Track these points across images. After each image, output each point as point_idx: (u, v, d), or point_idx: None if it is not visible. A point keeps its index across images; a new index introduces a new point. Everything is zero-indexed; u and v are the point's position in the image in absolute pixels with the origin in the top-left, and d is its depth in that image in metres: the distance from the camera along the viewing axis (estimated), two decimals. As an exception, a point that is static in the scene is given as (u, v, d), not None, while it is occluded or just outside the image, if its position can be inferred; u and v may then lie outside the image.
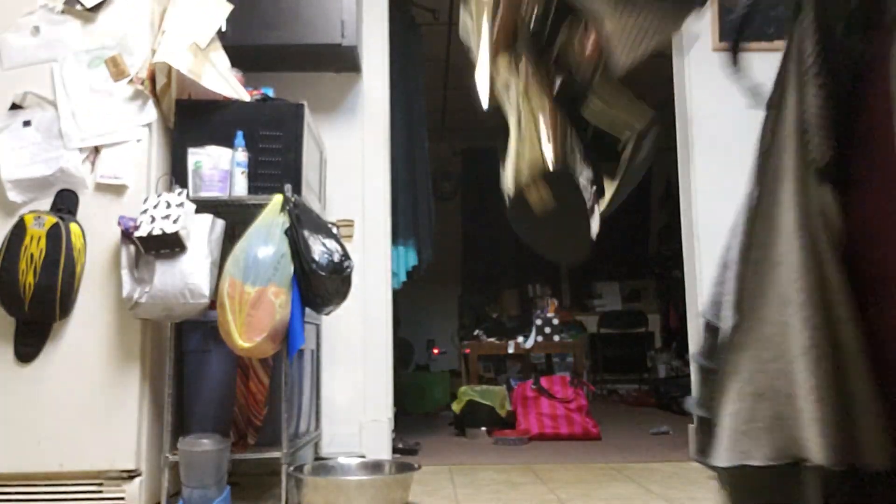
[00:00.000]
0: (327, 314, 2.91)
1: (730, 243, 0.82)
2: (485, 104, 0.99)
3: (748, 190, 0.81)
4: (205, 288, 2.55)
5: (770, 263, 0.72)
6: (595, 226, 0.93)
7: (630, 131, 0.98)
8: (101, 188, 2.71)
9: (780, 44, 0.80)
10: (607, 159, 0.94)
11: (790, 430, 0.69)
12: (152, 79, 2.77)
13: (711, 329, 0.85)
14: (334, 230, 2.87)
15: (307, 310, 2.67)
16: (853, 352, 0.67)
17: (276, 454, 2.65)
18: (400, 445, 3.88)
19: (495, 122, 0.99)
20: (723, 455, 0.73)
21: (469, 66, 1.03)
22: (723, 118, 3.62)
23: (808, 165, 0.72)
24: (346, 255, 2.69)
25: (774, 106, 0.80)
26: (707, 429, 0.80)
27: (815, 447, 0.67)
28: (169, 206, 2.57)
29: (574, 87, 0.98)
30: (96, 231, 2.67)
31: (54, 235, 2.56)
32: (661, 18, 0.80)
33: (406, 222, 4.17)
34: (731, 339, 0.75)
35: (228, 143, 2.76)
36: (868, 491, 0.67)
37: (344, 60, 3.62)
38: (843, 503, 0.68)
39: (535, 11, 0.96)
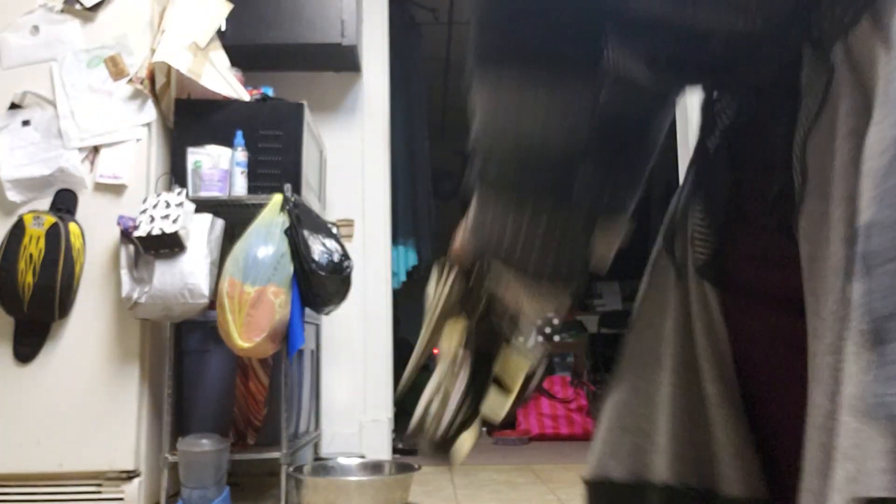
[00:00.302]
0: (327, 314, 2.91)
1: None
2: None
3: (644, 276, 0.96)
4: (204, 288, 2.54)
5: (652, 336, 0.89)
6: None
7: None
8: (101, 188, 2.71)
9: None
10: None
11: (644, 458, 0.86)
12: (152, 78, 2.77)
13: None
14: (334, 230, 2.87)
15: (307, 310, 2.67)
16: (714, 405, 0.82)
17: (275, 454, 2.65)
18: (400, 445, 3.87)
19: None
20: (590, 471, 0.89)
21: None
22: (723, 118, 3.61)
23: (694, 262, 0.86)
24: (345, 255, 2.69)
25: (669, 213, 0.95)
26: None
27: (659, 470, 0.83)
28: (168, 205, 2.56)
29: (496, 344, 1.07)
30: (95, 231, 2.67)
31: (53, 235, 2.56)
32: (544, 297, 0.89)
33: (406, 222, 4.18)
34: (611, 387, 0.93)
35: (228, 142, 2.76)
36: None
37: (344, 60, 3.61)
38: None
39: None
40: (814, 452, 0.63)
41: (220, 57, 2.90)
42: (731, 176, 0.84)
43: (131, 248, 2.59)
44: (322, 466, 2.84)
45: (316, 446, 3.34)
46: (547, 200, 0.83)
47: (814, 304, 0.66)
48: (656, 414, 0.86)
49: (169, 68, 2.77)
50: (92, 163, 2.71)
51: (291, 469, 2.63)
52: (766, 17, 0.72)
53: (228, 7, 2.98)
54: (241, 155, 2.76)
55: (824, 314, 0.63)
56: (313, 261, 2.57)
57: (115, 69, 2.74)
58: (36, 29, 2.76)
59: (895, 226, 0.54)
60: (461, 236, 1.01)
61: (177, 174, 2.77)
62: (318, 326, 3.38)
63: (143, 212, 2.57)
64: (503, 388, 1.03)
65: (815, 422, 0.63)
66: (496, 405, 1.02)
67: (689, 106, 3.80)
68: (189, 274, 2.54)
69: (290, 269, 2.56)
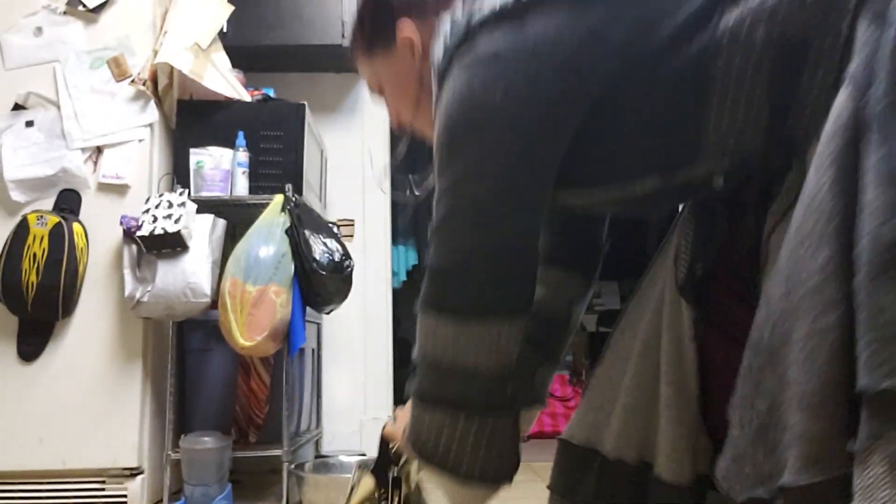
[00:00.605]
0: (328, 313, 2.93)
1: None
2: None
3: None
4: (206, 287, 2.56)
5: (630, 333, 1.10)
6: None
7: None
8: (104, 188, 2.73)
9: None
10: None
11: (598, 431, 1.09)
12: (154, 79, 2.79)
13: None
14: (335, 230, 2.89)
15: (308, 309, 2.69)
16: (665, 404, 1.00)
17: (277, 452, 2.67)
18: (400, 444, 3.89)
19: None
20: (563, 432, 1.15)
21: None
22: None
23: (676, 279, 1.02)
24: (346, 255, 2.71)
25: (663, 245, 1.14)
26: None
27: (607, 443, 1.07)
28: (171, 205, 2.58)
29: None
30: (98, 231, 2.69)
31: (57, 235, 2.58)
32: (472, 498, 1.03)
33: (406, 222, 4.19)
34: (594, 371, 1.15)
35: (230, 143, 2.78)
36: (655, 493, 1.01)
37: (344, 61, 3.59)
38: (627, 493, 1.05)
39: None
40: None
41: (221, 58, 2.92)
42: (724, 223, 0.99)
43: (134, 247, 2.61)
44: (323, 464, 2.86)
45: (317, 444, 3.36)
46: (479, 409, 0.96)
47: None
48: (616, 399, 1.07)
49: (171, 69, 2.79)
50: (95, 163, 2.73)
51: (293, 466, 2.66)
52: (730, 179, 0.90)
53: (230, 8, 3.00)
54: (242, 155, 2.78)
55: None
56: (314, 260, 2.59)
57: (118, 70, 2.76)
58: (39, 30, 2.78)
59: None
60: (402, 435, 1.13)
61: (179, 174, 2.79)
62: (318, 326, 3.40)
63: (146, 212, 2.59)
64: None
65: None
66: None
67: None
68: (191, 273, 2.56)
69: (292, 268, 2.58)
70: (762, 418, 0.77)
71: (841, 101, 0.75)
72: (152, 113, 2.77)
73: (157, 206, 2.59)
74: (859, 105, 0.73)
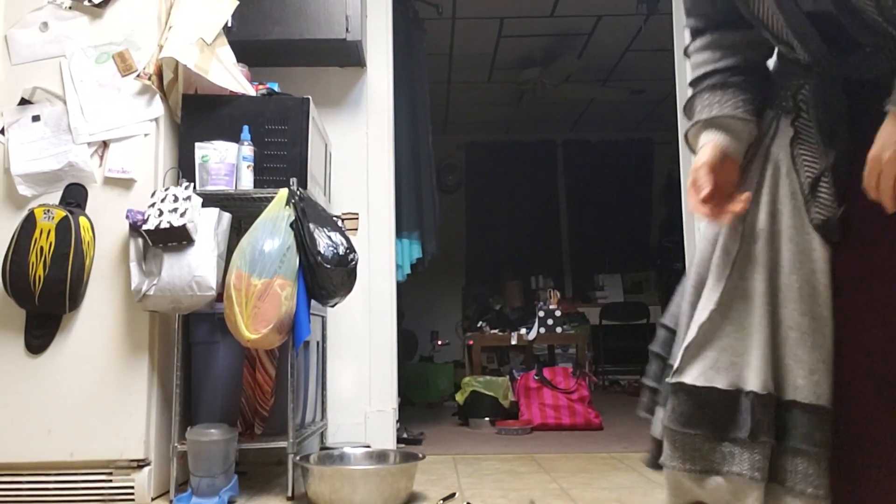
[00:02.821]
0: (333, 306, 2.95)
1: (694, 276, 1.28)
2: None
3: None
4: (212, 280, 2.58)
5: (742, 282, 1.19)
6: None
7: None
8: (110, 182, 2.74)
9: None
10: None
11: (739, 371, 1.16)
12: (159, 74, 2.80)
13: (665, 328, 1.36)
14: (339, 223, 2.90)
15: (313, 302, 2.70)
16: (801, 332, 1.12)
17: (282, 444, 2.69)
18: (404, 435, 3.92)
19: None
20: (697, 380, 1.17)
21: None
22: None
23: (812, 220, 1.14)
24: (350, 248, 2.73)
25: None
26: (652, 395, 1.36)
27: (751, 381, 1.14)
28: (176, 199, 2.60)
29: None
30: (105, 224, 2.71)
31: (63, 229, 2.60)
32: None
33: (410, 215, 4.21)
34: (700, 317, 1.20)
35: (235, 137, 2.79)
36: (796, 418, 1.11)
37: (348, 55, 3.65)
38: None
39: None
40: None
41: (226, 53, 2.93)
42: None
43: (140, 241, 2.63)
44: (328, 455, 2.88)
45: (322, 436, 3.38)
46: None
47: None
48: (748, 338, 1.16)
49: (176, 64, 2.80)
50: (101, 157, 2.75)
51: (298, 458, 2.68)
52: None
53: (234, 3, 3.01)
54: (247, 149, 2.80)
55: None
56: (319, 254, 2.60)
57: (123, 65, 2.78)
58: (45, 25, 2.80)
59: None
60: None
61: (184, 168, 2.81)
62: (323, 318, 3.42)
63: (152, 205, 2.61)
64: None
65: None
66: None
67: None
68: (197, 267, 2.58)
69: (297, 261, 2.60)
70: None
71: None
72: (158, 107, 2.78)
73: (162, 200, 2.61)
74: None
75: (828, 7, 1.07)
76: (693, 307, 1.24)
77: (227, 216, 2.74)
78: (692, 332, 1.19)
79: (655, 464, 1.27)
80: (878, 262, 1.09)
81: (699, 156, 1.24)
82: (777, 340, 1.13)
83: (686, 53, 1.34)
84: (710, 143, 1.24)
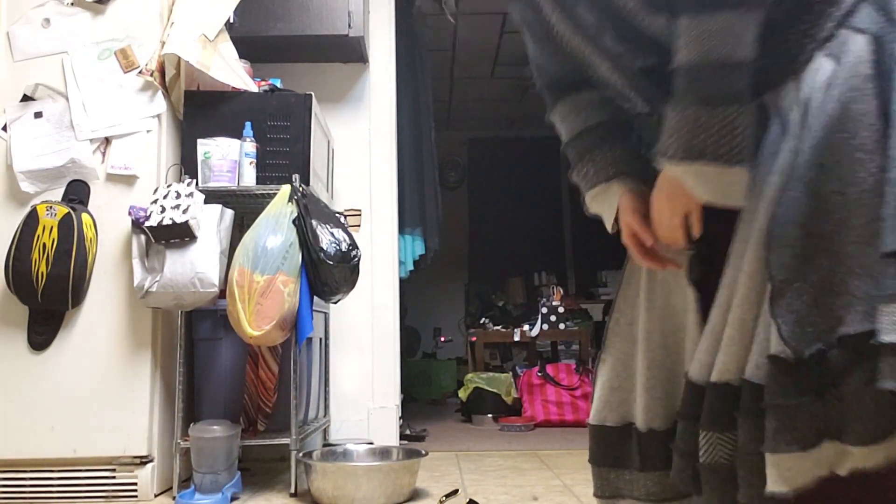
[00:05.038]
0: (335, 303, 2.94)
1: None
2: None
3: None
4: (214, 277, 2.58)
5: (627, 321, 1.32)
6: None
7: None
8: (112, 178, 2.74)
9: None
10: None
11: (628, 408, 1.28)
12: (161, 70, 2.80)
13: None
14: (342, 219, 2.90)
15: (315, 298, 2.70)
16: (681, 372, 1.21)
17: (285, 440, 2.69)
18: (407, 432, 3.92)
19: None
20: (593, 418, 1.32)
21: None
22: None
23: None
24: (353, 245, 2.72)
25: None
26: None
27: (638, 417, 1.25)
28: (179, 196, 2.60)
29: None
30: (107, 221, 2.71)
31: (66, 225, 2.59)
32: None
33: (413, 211, 4.20)
34: (603, 356, 1.34)
35: (237, 133, 2.79)
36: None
37: (351, 51, 3.64)
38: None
39: None
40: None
41: (228, 49, 2.93)
42: None
43: (142, 237, 2.63)
44: (331, 452, 2.88)
45: (325, 433, 3.38)
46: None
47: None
48: (634, 377, 1.27)
49: (178, 60, 2.80)
50: (103, 154, 2.75)
51: (301, 455, 2.67)
52: None
53: (236, -1, 3.00)
54: (249, 146, 2.79)
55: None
56: (321, 250, 2.60)
57: (126, 61, 2.78)
58: (47, 21, 2.79)
59: None
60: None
61: (187, 165, 2.80)
62: (326, 315, 3.42)
63: (154, 202, 2.61)
64: None
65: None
66: None
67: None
68: (199, 263, 2.58)
69: (299, 258, 2.60)
70: (816, 288, 0.97)
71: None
72: (160, 104, 2.78)
73: (165, 197, 2.61)
74: None
75: (653, 62, 1.14)
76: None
77: (229, 213, 2.74)
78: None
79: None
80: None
81: (624, 206, 1.26)
82: (667, 379, 1.24)
83: (551, 120, 1.38)
84: (627, 192, 1.26)
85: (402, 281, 3.95)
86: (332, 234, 2.66)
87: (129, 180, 2.74)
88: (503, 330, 5.71)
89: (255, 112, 2.85)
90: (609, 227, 1.31)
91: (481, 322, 6.00)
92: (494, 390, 4.82)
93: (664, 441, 1.21)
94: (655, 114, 1.18)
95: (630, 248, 1.27)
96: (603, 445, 1.30)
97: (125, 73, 2.77)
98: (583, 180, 1.32)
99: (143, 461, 2.64)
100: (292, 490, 2.66)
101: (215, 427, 2.58)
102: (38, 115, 2.73)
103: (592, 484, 1.33)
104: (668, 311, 1.25)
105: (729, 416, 1.05)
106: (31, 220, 2.60)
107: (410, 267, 4.19)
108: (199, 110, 2.85)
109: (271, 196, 2.72)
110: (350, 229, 2.84)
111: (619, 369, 1.29)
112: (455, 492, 2.67)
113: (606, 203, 1.29)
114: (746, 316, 1.05)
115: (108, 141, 2.75)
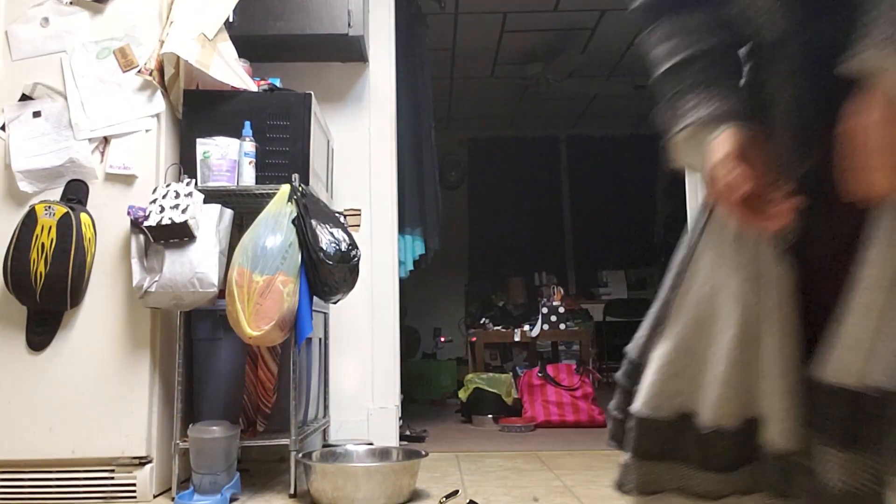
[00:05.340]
0: (335, 303, 2.94)
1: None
2: None
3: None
4: (213, 277, 2.57)
5: (708, 295, 1.09)
6: None
7: None
8: (111, 178, 2.73)
9: None
10: None
11: (690, 399, 1.09)
12: (160, 69, 2.79)
13: (632, 362, 1.23)
14: (342, 219, 2.89)
15: (315, 298, 2.69)
16: (772, 362, 1.02)
17: (284, 441, 2.69)
18: (407, 433, 3.91)
19: None
20: (642, 410, 1.12)
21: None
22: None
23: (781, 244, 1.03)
24: (353, 245, 2.71)
25: None
26: (619, 425, 1.20)
27: (705, 415, 1.07)
28: (178, 195, 2.59)
29: None
30: (106, 221, 2.70)
31: (65, 225, 2.59)
32: None
33: (413, 211, 4.19)
34: (658, 337, 1.15)
35: (236, 133, 2.78)
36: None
37: (351, 50, 3.63)
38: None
39: None
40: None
41: (227, 48, 2.92)
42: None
43: (141, 237, 2.62)
44: (331, 453, 2.87)
45: (324, 433, 3.37)
46: None
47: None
48: (699, 364, 1.08)
49: (177, 59, 2.79)
50: (102, 153, 2.74)
51: (300, 455, 2.67)
52: None
53: (236, -2, 2.99)
54: (249, 145, 2.78)
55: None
56: (321, 250, 2.59)
57: (125, 60, 2.77)
58: (46, 21, 2.78)
59: None
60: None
61: (186, 164, 2.79)
62: (326, 315, 3.41)
63: (153, 202, 2.60)
64: None
65: None
66: None
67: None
68: (198, 263, 2.57)
69: (299, 258, 2.59)
70: None
71: None
72: (159, 103, 2.77)
73: (164, 196, 2.60)
74: None
75: None
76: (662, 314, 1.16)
77: (228, 212, 2.73)
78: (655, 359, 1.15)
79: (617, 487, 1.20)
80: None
81: (717, 149, 1.02)
82: (750, 367, 1.05)
83: (643, 46, 1.15)
84: (725, 134, 1.02)
85: (402, 281, 3.94)
86: (332, 233, 2.65)
87: (127, 180, 2.73)
88: (503, 330, 5.71)
89: (254, 111, 2.85)
90: (702, 173, 1.07)
91: (481, 322, 6.00)
92: (495, 391, 4.81)
93: (734, 439, 1.05)
94: (785, 44, 1.00)
95: (727, 205, 1.02)
96: (654, 438, 1.12)
97: (124, 72, 2.76)
98: (681, 116, 1.08)
99: (142, 462, 2.63)
100: (292, 491, 2.65)
101: (214, 428, 2.58)
102: (36, 114, 2.72)
103: (622, 481, 1.17)
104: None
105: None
106: (30, 220, 2.59)
107: (410, 267, 4.18)
108: (199, 110, 2.84)
109: (271, 196, 2.71)
110: (350, 229, 2.83)
111: (681, 354, 1.10)
112: (455, 493, 2.66)
113: (693, 149, 1.07)
114: None
115: (106, 140, 2.74)
